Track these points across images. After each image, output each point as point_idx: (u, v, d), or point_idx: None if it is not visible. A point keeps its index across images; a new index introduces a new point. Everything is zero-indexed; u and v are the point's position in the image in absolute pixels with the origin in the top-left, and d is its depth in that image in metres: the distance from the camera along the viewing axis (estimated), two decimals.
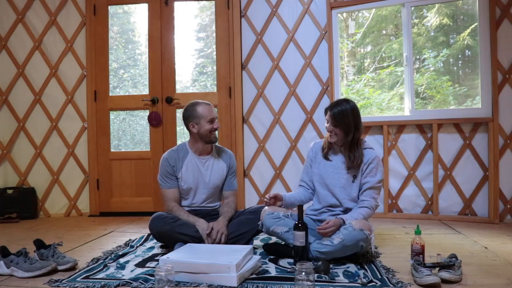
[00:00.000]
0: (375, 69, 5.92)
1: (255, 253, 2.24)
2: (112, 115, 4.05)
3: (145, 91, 4.00)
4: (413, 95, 3.57)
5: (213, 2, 3.88)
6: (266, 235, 2.76)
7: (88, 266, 2.14)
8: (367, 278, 1.85)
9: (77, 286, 1.83)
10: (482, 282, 1.81)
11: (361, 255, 2.21)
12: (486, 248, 2.45)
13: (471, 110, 3.54)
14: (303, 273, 1.63)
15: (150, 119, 3.87)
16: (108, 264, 2.15)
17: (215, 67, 3.93)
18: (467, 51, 5.19)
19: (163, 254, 2.34)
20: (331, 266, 1.99)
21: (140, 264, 2.17)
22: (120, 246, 2.62)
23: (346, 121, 2.26)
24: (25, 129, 3.89)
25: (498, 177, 3.25)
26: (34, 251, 2.18)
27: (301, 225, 2.05)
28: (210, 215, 2.54)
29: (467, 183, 3.39)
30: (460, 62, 5.55)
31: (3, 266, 2.04)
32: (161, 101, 3.88)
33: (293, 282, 1.73)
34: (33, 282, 1.92)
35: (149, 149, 3.93)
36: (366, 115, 5.13)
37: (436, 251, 2.15)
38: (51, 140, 3.90)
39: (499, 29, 3.25)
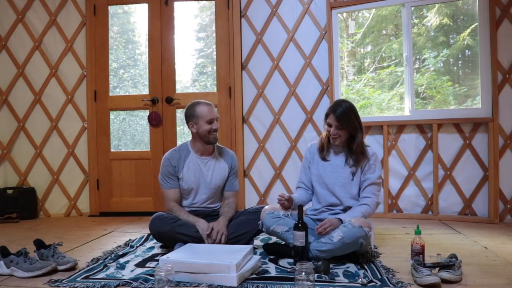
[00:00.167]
0: (375, 69, 5.92)
1: (255, 253, 2.24)
2: (112, 115, 4.05)
3: (145, 91, 4.00)
4: (413, 95, 3.57)
5: (213, 2, 3.89)
6: (266, 235, 2.76)
7: (88, 266, 2.14)
8: (367, 278, 1.85)
9: (77, 286, 1.83)
10: (482, 282, 1.81)
11: (361, 254, 2.21)
12: (486, 248, 2.45)
13: (471, 110, 3.54)
14: (303, 273, 1.63)
15: (150, 119, 3.87)
16: (108, 264, 2.15)
17: (215, 67, 3.93)
18: (467, 51, 5.19)
19: (163, 254, 2.33)
20: (331, 266, 1.99)
21: (140, 264, 2.17)
22: (120, 246, 2.62)
23: (350, 121, 2.26)
24: (25, 129, 3.89)
25: (498, 177, 3.25)
26: (34, 251, 2.18)
27: (301, 225, 2.05)
28: (211, 215, 2.54)
29: (467, 183, 3.39)
30: (460, 62, 5.55)
31: (3, 266, 2.04)
32: (161, 101, 3.88)
33: (293, 282, 1.72)
34: (33, 282, 1.92)
35: (149, 149, 3.93)
36: (366, 115, 5.13)
37: (436, 251, 2.15)
38: (51, 140, 3.90)
39: (499, 29, 3.25)
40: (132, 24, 4.63)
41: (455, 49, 5.22)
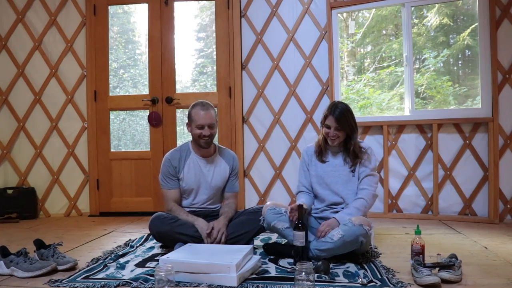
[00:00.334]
0: (375, 69, 5.92)
1: (255, 253, 2.24)
2: (112, 115, 4.05)
3: (145, 91, 4.00)
4: (413, 95, 3.57)
5: (213, 2, 3.89)
6: (266, 235, 2.77)
7: (88, 266, 2.14)
8: (367, 278, 1.85)
9: (77, 286, 1.83)
10: (482, 282, 1.81)
11: (361, 254, 2.21)
12: (486, 248, 2.45)
13: (471, 110, 3.54)
14: (303, 273, 1.63)
15: (150, 119, 3.87)
16: (108, 264, 2.15)
17: (215, 67, 3.93)
18: (467, 51, 5.19)
19: (163, 254, 2.34)
20: (331, 266, 1.99)
21: (140, 264, 2.17)
22: (120, 246, 2.62)
23: (348, 122, 2.28)
24: (25, 129, 3.89)
25: (498, 177, 3.25)
26: (34, 251, 2.18)
27: (301, 225, 2.05)
28: (211, 216, 2.53)
29: (467, 183, 3.39)
30: (460, 62, 5.55)
31: (3, 266, 2.04)
32: (161, 101, 3.88)
33: (293, 282, 1.72)
34: (33, 282, 1.92)
35: (149, 149, 3.93)
36: (366, 115, 5.13)
37: (436, 251, 2.15)
38: (51, 140, 3.90)
39: (499, 29, 3.25)
40: (132, 24, 4.63)
41: (455, 49, 5.22)
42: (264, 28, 3.79)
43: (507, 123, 3.28)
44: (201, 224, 2.37)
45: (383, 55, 5.87)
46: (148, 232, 2.55)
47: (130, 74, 4.65)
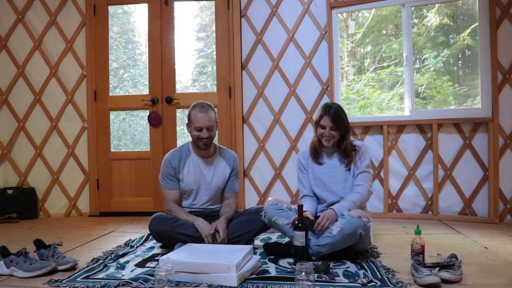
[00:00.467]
0: (375, 69, 5.92)
1: (255, 253, 2.24)
2: (112, 115, 4.05)
3: (145, 91, 4.00)
4: (413, 95, 3.57)
5: (213, 2, 3.89)
6: (266, 235, 2.77)
7: (88, 266, 2.14)
8: (367, 278, 1.85)
9: (77, 286, 1.83)
10: (482, 282, 1.81)
11: (361, 253, 2.21)
12: (486, 248, 2.45)
13: (471, 110, 3.54)
14: (303, 273, 1.63)
15: (150, 119, 3.87)
16: (108, 264, 2.15)
17: (215, 67, 3.93)
18: (467, 51, 5.19)
19: (163, 254, 2.33)
20: (331, 266, 1.99)
21: (140, 264, 2.17)
22: (120, 246, 2.62)
23: (342, 121, 2.31)
24: (25, 129, 3.89)
25: (498, 177, 3.25)
26: (34, 251, 2.18)
27: (301, 225, 2.05)
28: (211, 216, 2.53)
29: (467, 183, 3.39)
30: (460, 62, 5.55)
31: (3, 266, 2.04)
32: (161, 101, 3.88)
33: (293, 282, 1.72)
34: (33, 282, 1.92)
35: (149, 149, 3.93)
36: (366, 115, 5.13)
37: (436, 251, 2.15)
38: (51, 140, 3.90)
39: (499, 29, 3.25)
40: (132, 24, 4.63)
41: (455, 49, 5.22)
42: (264, 28, 3.79)
43: (507, 123, 3.28)
44: (201, 224, 2.37)
45: (383, 55, 5.88)
46: (148, 232, 2.55)
47: (130, 74, 4.65)
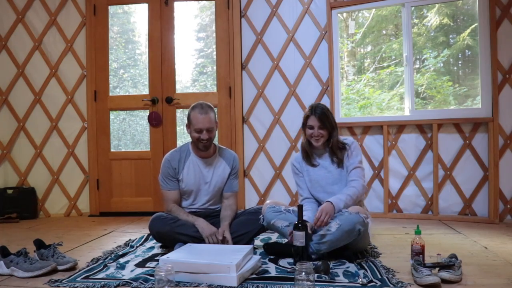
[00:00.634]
0: (375, 69, 5.92)
1: (255, 253, 2.24)
2: (112, 115, 4.05)
3: (145, 91, 4.00)
4: (413, 95, 3.57)
5: (213, 2, 3.89)
6: (266, 235, 2.77)
7: (88, 266, 2.14)
8: (367, 278, 1.85)
9: (77, 286, 1.83)
10: (482, 282, 1.81)
11: (360, 252, 2.21)
12: (486, 248, 2.45)
13: (471, 110, 3.54)
14: (303, 273, 1.63)
15: (150, 119, 3.87)
16: (108, 264, 2.15)
17: (215, 67, 3.93)
18: (467, 51, 5.19)
19: (163, 254, 2.33)
20: (331, 266, 1.99)
21: (140, 264, 2.17)
22: (120, 246, 2.62)
23: (329, 120, 2.33)
24: (25, 129, 3.89)
25: (498, 177, 3.25)
26: (34, 251, 2.18)
27: (301, 225, 2.05)
28: (211, 216, 2.53)
29: (467, 183, 3.39)
30: (460, 62, 5.55)
31: (3, 266, 2.04)
32: (161, 101, 3.88)
33: (293, 282, 1.72)
34: (33, 282, 1.92)
35: (149, 149, 3.93)
36: (366, 115, 5.13)
37: (436, 251, 2.15)
38: (51, 140, 3.90)
39: (499, 29, 3.25)
40: (132, 24, 4.62)
41: (455, 49, 5.22)
42: (264, 28, 3.79)
43: (507, 123, 3.28)
44: (201, 224, 2.37)
45: (383, 55, 5.88)
46: (148, 232, 2.55)
47: (130, 74, 4.65)
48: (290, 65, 3.76)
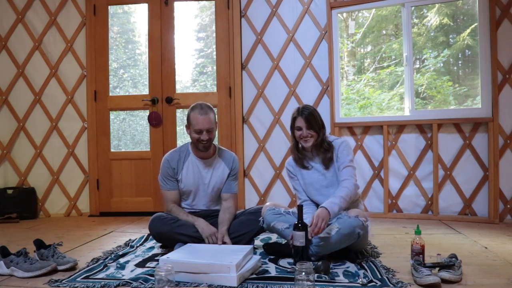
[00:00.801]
0: (375, 69, 5.93)
1: (255, 253, 2.24)
2: (112, 115, 4.05)
3: (145, 91, 4.00)
4: (413, 95, 3.57)
5: (213, 2, 3.89)
6: (266, 235, 2.77)
7: (88, 266, 2.14)
8: (367, 278, 1.85)
9: (77, 286, 1.83)
10: (482, 282, 1.81)
11: (360, 252, 2.21)
12: (486, 248, 2.45)
13: (471, 110, 3.54)
14: (303, 273, 1.63)
15: (150, 119, 3.87)
16: (108, 264, 2.15)
17: (215, 67, 3.93)
18: (467, 51, 5.19)
19: (163, 254, 2.33)
20: (331, 266, 1.99)
21: (140, 264, 2.17)
22: (120, 246, 2.62)
23: (316, 121, 2.32)
24: (25, 129, 3.89)
25: (498, 177, 3.25)
26: (34, 251, 2.18)
27: (301, 225, 2.05)
28: (211, 216, 2.52)
29: (467, 183, 3.39)
30: (460, 62, 5.56)
31: (3, 266, 2.04)
32: (161, 101, 3.88)
33: (293, 282, 1.72)
34: (33, 282, 1.92)
35: (149, 149, 3.93)
36: (366, 115, 5.13)
37: (436, 251, 2.15)
38: (51, 140, 3.90)
39: (499, 29, 3.25)
40: (132, 24, 4.63)
41: (455, 49, 5.23)
42: (264, 28, 3.79)
43: (507, 123, 3.28)
44: (201, 225, 2.37)
45: (383, 55, 5.88)
46: (148, 232, 2.55)
47: (130, 74, 4.65)
48: (290, 65, 3.76)
